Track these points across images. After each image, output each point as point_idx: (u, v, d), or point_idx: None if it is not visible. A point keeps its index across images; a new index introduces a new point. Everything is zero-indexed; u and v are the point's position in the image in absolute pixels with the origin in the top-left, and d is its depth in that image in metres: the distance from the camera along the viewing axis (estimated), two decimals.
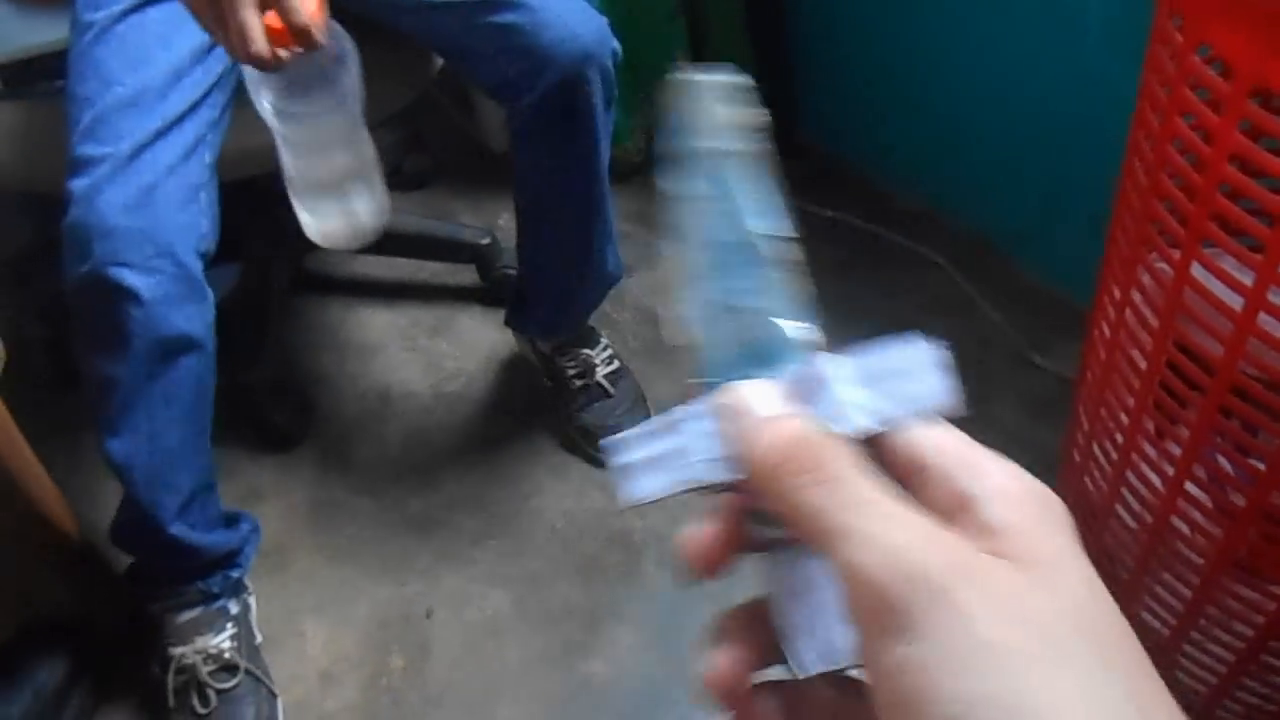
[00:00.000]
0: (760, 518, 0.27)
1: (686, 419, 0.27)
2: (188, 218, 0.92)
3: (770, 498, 0.25)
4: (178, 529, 1.01)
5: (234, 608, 1.09)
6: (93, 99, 0.90)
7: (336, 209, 0.91)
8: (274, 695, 1.09)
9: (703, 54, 1.61)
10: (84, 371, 0.96)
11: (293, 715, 1.12)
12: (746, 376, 0.27)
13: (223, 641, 1.06)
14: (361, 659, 1.17)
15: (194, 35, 0.96)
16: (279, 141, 0.86)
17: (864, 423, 0.26)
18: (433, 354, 1.50)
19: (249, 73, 0.80)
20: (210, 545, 1.05)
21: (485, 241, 1.50)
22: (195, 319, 0.94)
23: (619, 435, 0.27)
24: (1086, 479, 0.93)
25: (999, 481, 0.24)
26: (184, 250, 0.91)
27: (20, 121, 1.09)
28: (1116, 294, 0.82)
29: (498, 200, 1.73)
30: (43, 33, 1.07)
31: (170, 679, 1.04)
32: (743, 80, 0.27)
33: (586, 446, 1.33)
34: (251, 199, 1.17)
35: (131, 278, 0.88)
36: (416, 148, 1.77)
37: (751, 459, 0.25)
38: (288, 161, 0.88)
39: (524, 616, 1.19)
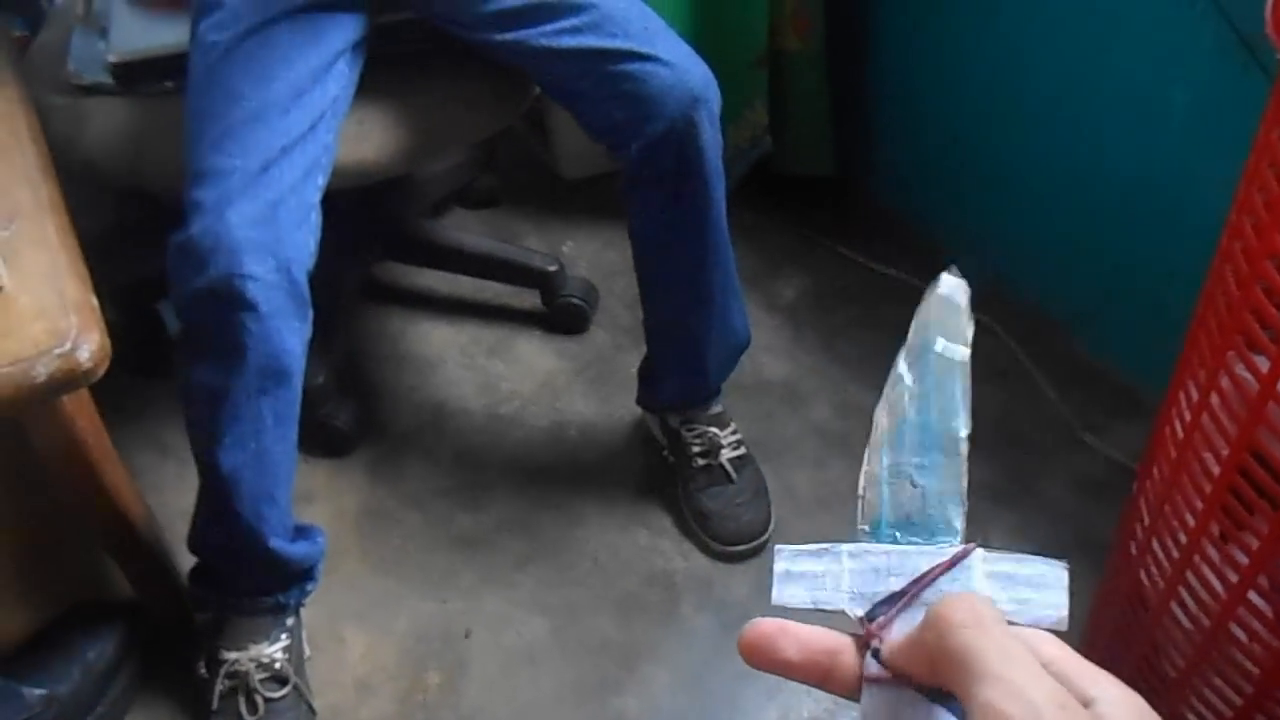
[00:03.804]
0: (878, 654, 0.31)
1: (846, 554, 0.32)
2: (302, 236, 0.95)
3: (931, 638, 0.28)
4: (276, 542, 1.03)
5: (291, 619, 1.11)
6: (219, 113, 0.93)
7: None
8: (313, 712, 1.10)
9: (782, 105, 1.63)
10: (188, 380, 0.98)
11: None
12: (899, 538, 0.32)
13: (276, 652, 1.08)
14: (398, 671, 1.18)
15: (313, 55, 0.99)
16: None
17: None
18: (489, 374, 1.52)
19: None
20: (299, 558, 1.07)
21: (553, 268, 1.53)
22: (300, 335, 0.97)
23: (791, 546, 0.33)
24: (1142, 572, 0.93)
25: (1118, 692, 0.28)
26: (298, 267, 0.93)
27: (130, 118, 1.13)
28: (1194, 394, 0.83)
29: (564, 226, 1.76)
30: (160, 36, 1.11)
31: (219, 682, 1.06)
32: (967, 296, 0.34)
33: (699, 530, 1.29)
34: (326, 210, 1.21)
35: (253, 290, 0.90)
36: (488, 168, 1.80)
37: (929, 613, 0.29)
38: None
39: (561, 646, 1.21)
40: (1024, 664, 0.27)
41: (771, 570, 0.33)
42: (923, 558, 0.32)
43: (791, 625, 0.31)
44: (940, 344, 0.34)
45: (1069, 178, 1.43)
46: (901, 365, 0.34)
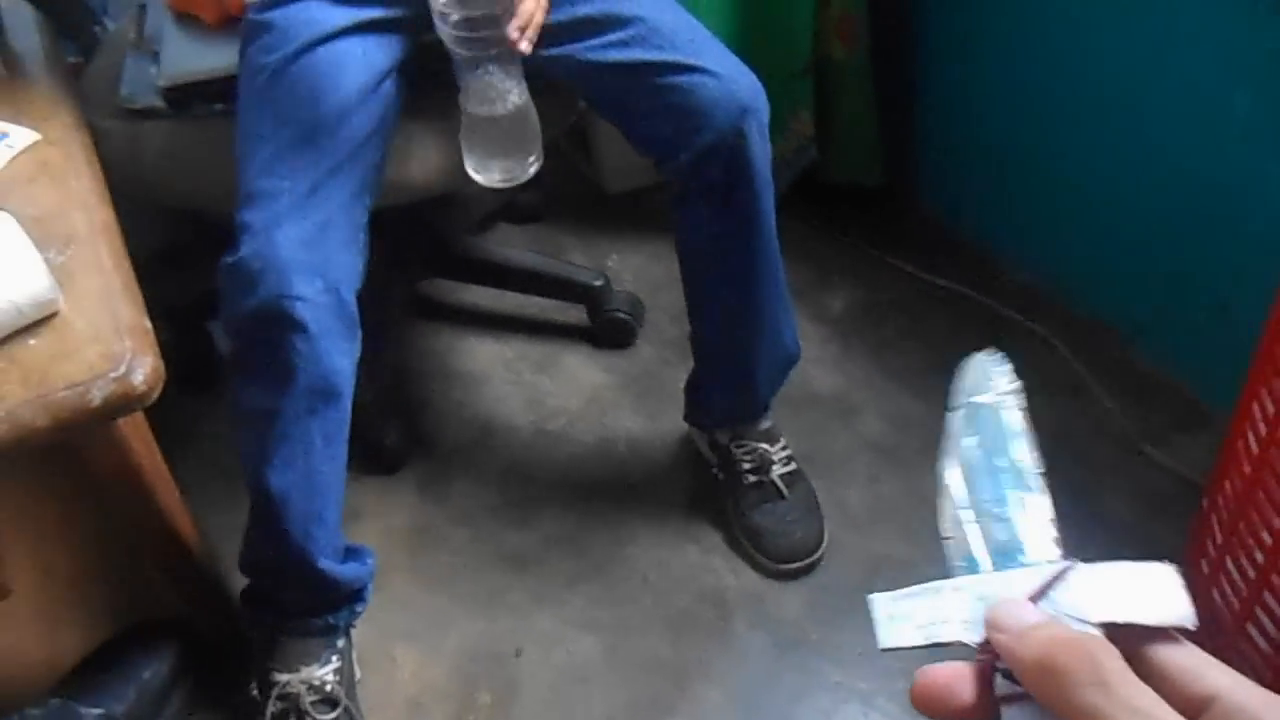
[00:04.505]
0: (1009, 674, 0.29)
1: (949, 588, 0.32)
2: (350, 256, 0.95)
3: (1043, 695, 0.27)
4: (325, 563, 1.03)
5: (341, 641, 1.11)
6: (268, 136, 0.94)
7: (502, 156, 1.03)
8: None
9: (829, 113, 1.61)
10: (239, 400, 0.99)
11: None
12: (996, 567, 0.32)
13: (326, 674, 1.08)
14: (449, 691, 1.18)
15: (360, 77, 0.99)
16: (456, 71, 0.97)
17: (1110, 615, 0.29)
18: (536, 390, 1.52)
19: None
20: (349, 579, 1.07)
21: (598, 283, 1.52)
22: (349, 355, 0.97)
23: (885, 593, 0.32)
24: (1215, 591, 0.90)
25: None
26: (346, 288, 0.94)
27: (182, 141, 1.14)
28: (1269, 406, 0.80)
29: (608, 240, 1.75)
30: (210, 60, 1.12)
31: (270, 703, 1.06)
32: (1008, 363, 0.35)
33: (751, 547, 1.26)
34: (372, 228, 1.21)
35: (302, 311, 0.91)
36: (532, 183, 1.80)
37: (1023, 660, 0.28)
38: (463, 92, 0.98)
39: (612, 665, 1.19)
40: (1151, 713, 0.25)
41: (872, 618, 0.32)
42: (1028, 578, 0.31)
43: (963, 667, 0.30)
44: (985, 397, 0.34)
45: (1126, 183, 1.39)
46: (954, 424, 0.34)
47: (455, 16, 0.91)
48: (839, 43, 1.56)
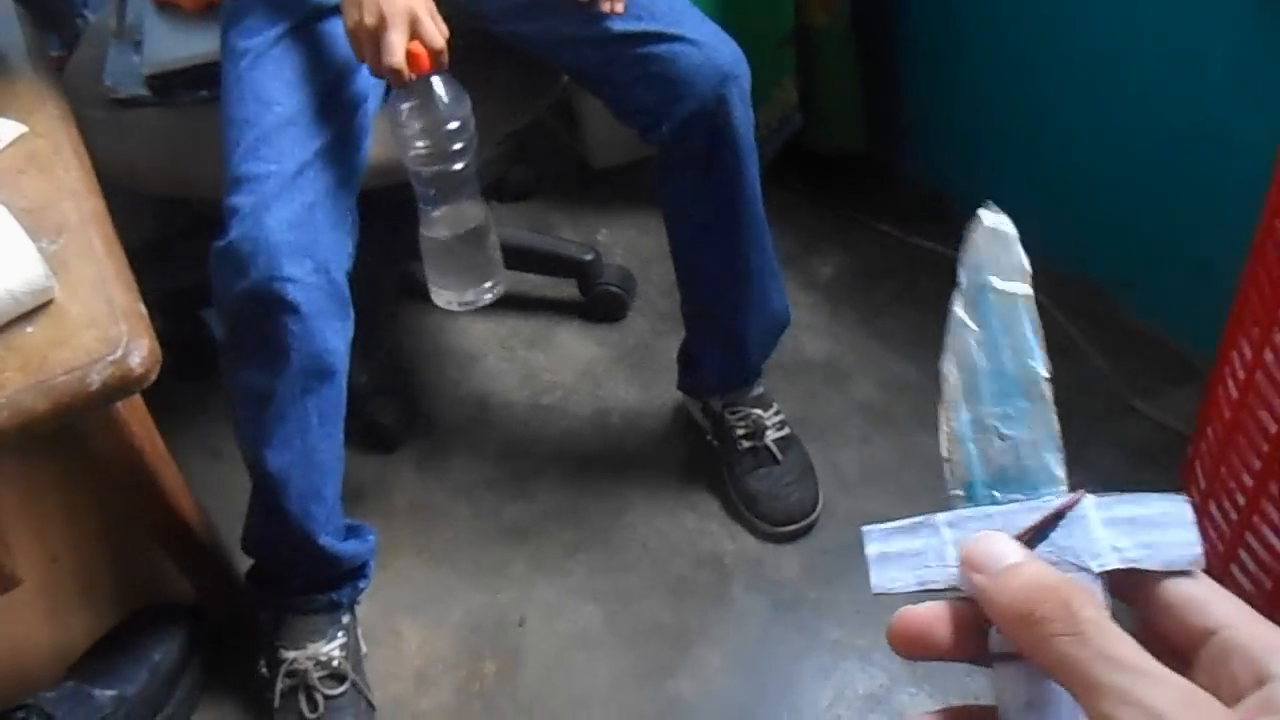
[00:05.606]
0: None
1: (945, 524, 0.30)
2: (340, 237, 0.96)
3: (1018, 643, 0.26)
4: (325, 540, 1.05)
5: (346, 617, 1.13)
6: (253, 120, 0.95)
7: (459, 280, 1.05)
8: (372, 707, 1.12)
9: (812, 81, 1.62)
10: (235, 383, 1.00)
11: (388, 712, 1.15)
12: (998, 497, 0.30)
13: (333, 650, 1.10)
14: (455, 662, 1.20)
15: (342, 58, 1.00)
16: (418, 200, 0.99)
17: (1111, 563, 0.28)
18: (530, 365, 1.53)
19: (394, 114, 0.92)
20: (350, 555, 1.09)
21: (589, 258, 1.53)
22: (342, 334, 0.98)
23: (879, 525, 0.30)
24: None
25: None
26: (336, 268, 0.95)
27: (168, 129, 1.15)
28: (1247, 352, 0.81)
29: (597, 215, 1.76)
30: (193, 46, 1.13)
31: (279, 681, 1.08)
32: (1014, 230, 0.32)
33: (747, 512, 1.28)
34: (361, 210, 1.22)
35: (293, 292, 0.91)
36: (520, 160, 1.81)
37: (998, 607, 0.27)
38: (424, 219, 1.00)
39: (614, 631, 1.21)
40: (1133, 666, 0.24)
41: (865, 556, 0.30)
42: (1029, 514, 0.29)
43: (942, 608, 0.29)
44: (996, 280, 0.31)
45: (1108, 140, 1.40)
46: (958, 310, 0.31)
47: (421, 144, 0.93)
48: (820, 9, 1.56)
